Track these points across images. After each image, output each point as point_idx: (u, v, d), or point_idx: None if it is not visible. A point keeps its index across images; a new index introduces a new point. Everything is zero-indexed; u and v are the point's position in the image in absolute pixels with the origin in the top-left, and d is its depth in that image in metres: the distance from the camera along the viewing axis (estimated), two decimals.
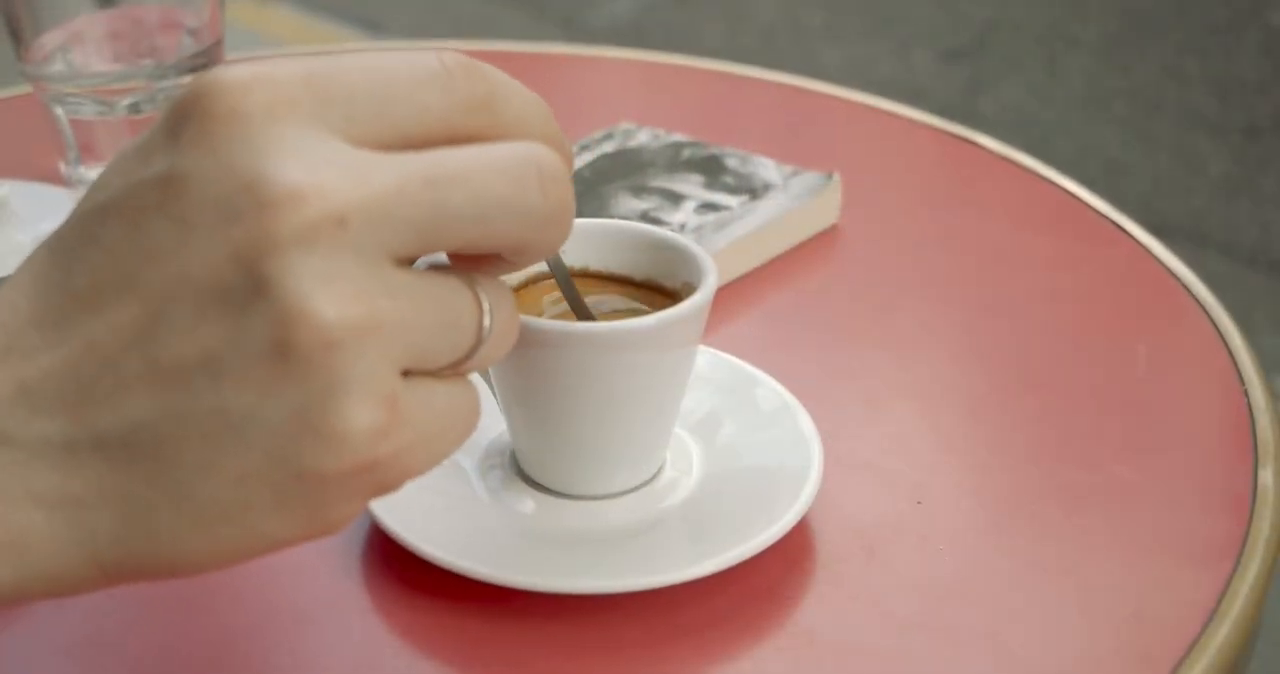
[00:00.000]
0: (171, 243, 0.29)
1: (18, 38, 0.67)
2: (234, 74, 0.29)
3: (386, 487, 0.31)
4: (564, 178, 0.32)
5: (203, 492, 0.29)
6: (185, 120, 0.29)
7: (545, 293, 0.47)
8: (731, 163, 0.70)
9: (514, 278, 0.47)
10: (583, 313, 0.43)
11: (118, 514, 0.29)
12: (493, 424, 0.49)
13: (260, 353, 0.28)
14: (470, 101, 0.31)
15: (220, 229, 0.28)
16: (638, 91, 0.90)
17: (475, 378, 0.48)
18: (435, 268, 0.32)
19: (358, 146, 0.30)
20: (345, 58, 0.31)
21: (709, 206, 0.66)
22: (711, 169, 0.70)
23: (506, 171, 0.31)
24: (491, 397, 0.48)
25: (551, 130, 0.33)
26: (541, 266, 0.47)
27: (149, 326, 0.29)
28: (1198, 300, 0.62)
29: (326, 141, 0.29)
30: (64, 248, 0.30)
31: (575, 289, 0.43)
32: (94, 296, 0.29)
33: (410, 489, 0.45)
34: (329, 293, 0.28)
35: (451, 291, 0.31)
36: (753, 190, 0.67)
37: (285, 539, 0.30)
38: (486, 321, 0.32)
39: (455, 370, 0.32)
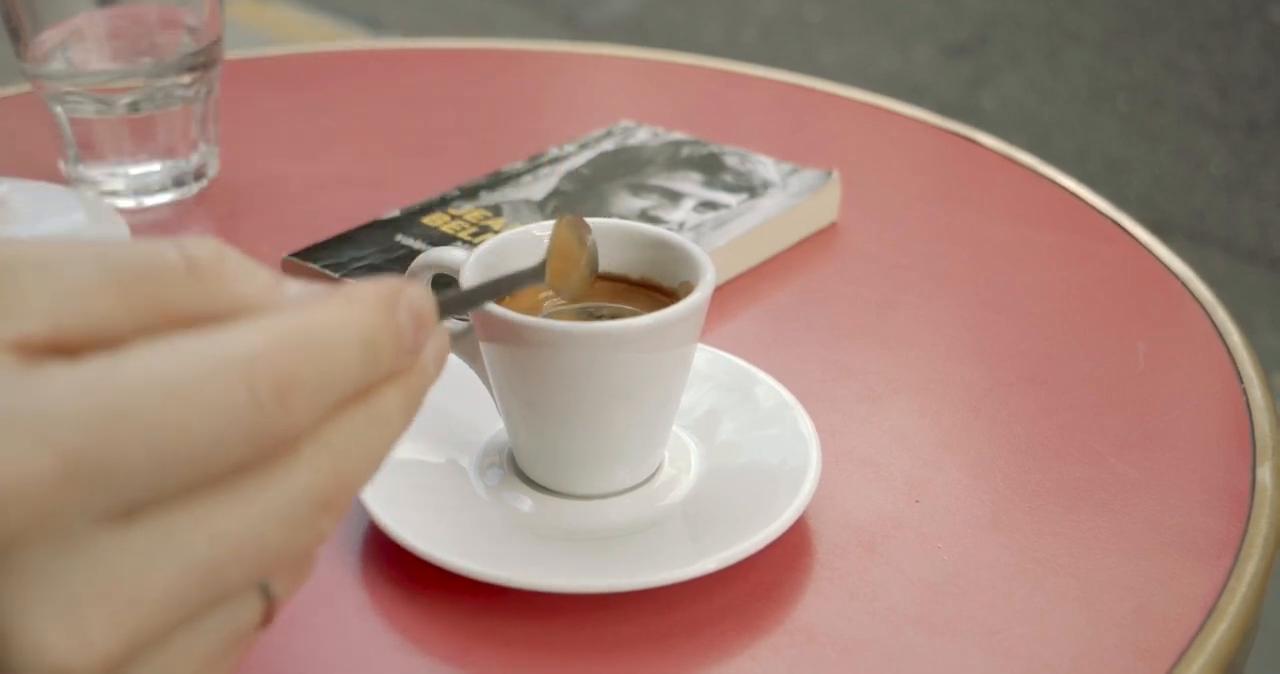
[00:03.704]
0: None
1: (17, 36, 0.67)
2: None
3: None
4: (347, 496, 0.28)
5: None
6: None
7: (541, 291, 0.47)
8: (731, 161, 0.70)
9: None
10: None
11: None
12: (491, 423, 0.49)
13: None
14: (279, 433, 0.26)
15: None
16: (637, 89, 0.90)
17: (473, 376, 0.48)
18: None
19: (129, 521, 0.25)
20: (130, 417, 0.24)
21: (708, 205, 0.66)
22: (711, 167, 0.70)
23: (285, 524, 0.27)
24: (491, 395, 0.48)
25: (374, 460, 0.29)
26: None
27: None
28: (1197, 298, 0.62)
29: (87, 549, 0.25)
30: None
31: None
32: None
33: (410, 489, 0.46)
34: None
35: (228, 622, 0.27)
36: (752, 188, 0.67)
37: None
38: (271, 603, 0.28)
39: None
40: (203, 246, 0.27)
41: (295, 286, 0.29)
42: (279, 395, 0.26)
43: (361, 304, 0.28)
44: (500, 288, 0.39)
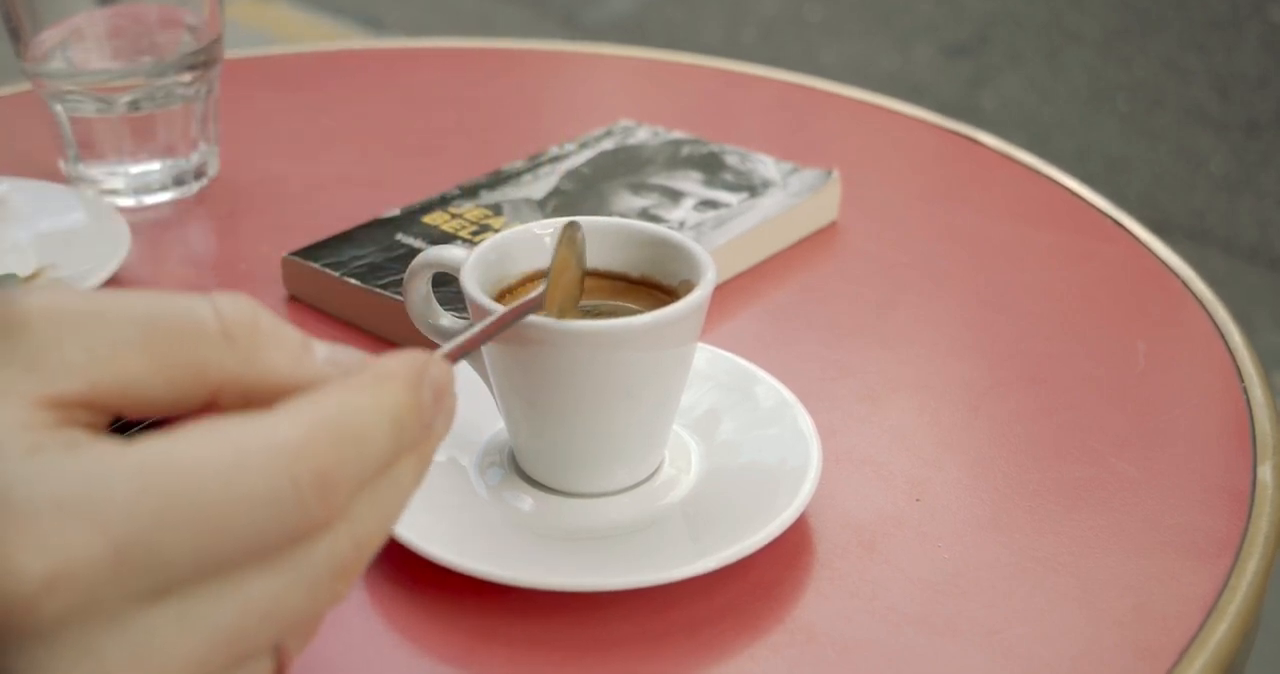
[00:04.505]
0: None
1: (17, 35, 0.67)
2: (31, 573, 0.24)
3: None
4: (364, 561, 0.29)
5: None
6: None
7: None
8: (731, 160, 0.70)
9: (511, 276, 0.47)
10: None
11: None
12: (492, 422, 0.49)
13: None
14: (310, 525, 0.27)
15: None
16: (637, 88, 0.90)
17: (474, 376, 0.48)
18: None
19: (163, 598, 0.26)
20: (177, 505, 0.25)
21: (708, 204, 0.66)
22: (711, 166, 0.70)
23: (309, 591, 0.28)
24: (491, 394, 0.48)
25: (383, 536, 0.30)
26: (539, 265, 0.47)
27: None
28: (1197, 297, 0.62)
29: (126, 625, 0.25)
30: None
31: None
32: None
33: None
34: None
35: None
36: (752, 187, 0.67)
37: None
38: (282, 661, 0.29)
39: None
40: (238, 308, 0.28)
41: (323, 350, 0.30)
42: (320, 488, 0.27)
43: (391, 385, 0.29)
44: (504, 323, 0.39)
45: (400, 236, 0.63)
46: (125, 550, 0.25)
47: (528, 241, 0.47)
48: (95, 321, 0.27)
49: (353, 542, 0.28)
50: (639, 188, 0.68)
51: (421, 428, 0.30)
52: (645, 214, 0.64)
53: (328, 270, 0.60)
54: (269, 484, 0.26)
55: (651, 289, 0.47)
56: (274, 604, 0.27)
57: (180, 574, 0.26)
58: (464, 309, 0.46)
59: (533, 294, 0.41)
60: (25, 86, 0.78)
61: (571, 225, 0.42)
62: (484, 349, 0.45)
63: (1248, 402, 0.54)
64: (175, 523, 0.25)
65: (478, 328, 0.37)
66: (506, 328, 0.40)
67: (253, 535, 0.26)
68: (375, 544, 0.29)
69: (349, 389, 0.29)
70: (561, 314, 0.42)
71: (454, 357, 0.34)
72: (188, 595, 0.26)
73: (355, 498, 0.28)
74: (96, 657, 0.25)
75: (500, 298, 0.46)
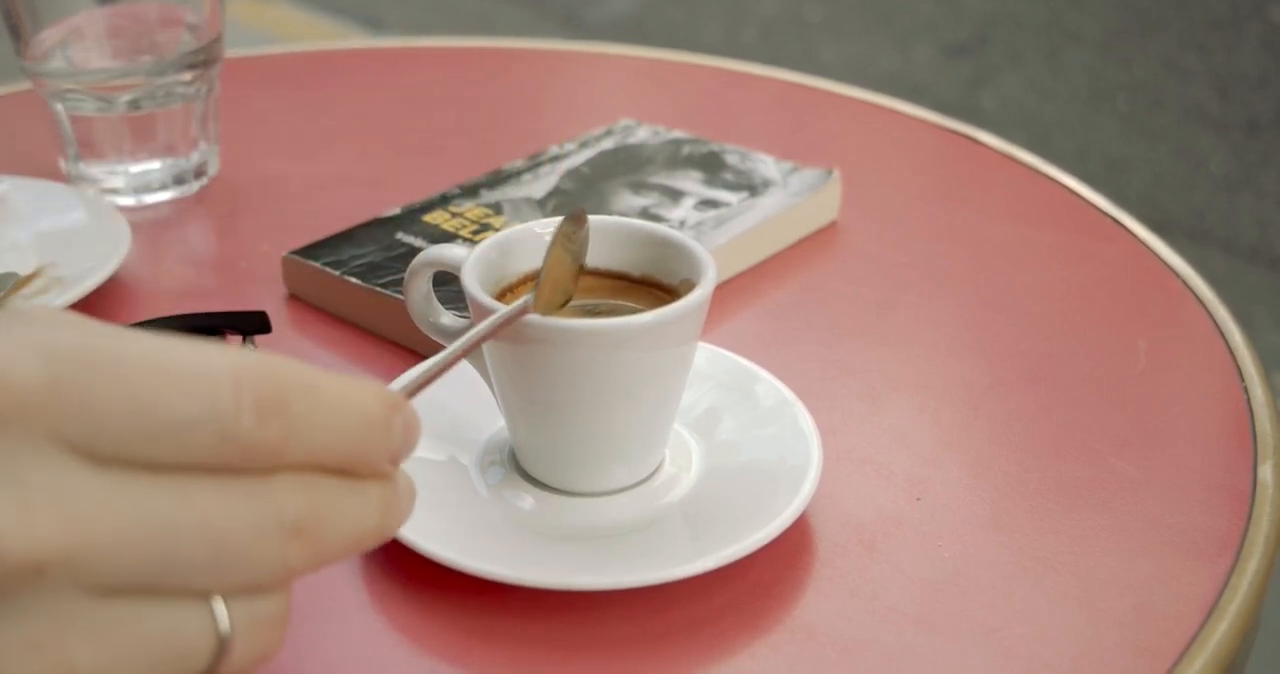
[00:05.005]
0: None
1: (17, 34, 0.67)
2: None
3: None
4: (320, 541, 0.29)
5: None
6: None
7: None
8: (731, 159, 0.70)
9: (512, 275, 0.47)
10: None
11: None
12: (492, 421, 0.49)
13: None
14: (251, 448, 0.28)
15: None
16: (638, 88, 0.90)
17: (474, 374, 0.48)
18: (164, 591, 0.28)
19: (96, 465, 0.27)
20: (122, 370, 0.27)
21: (708, 203, 0.66)
22: (711, 165, 0.70)
23: (253, 527, 0.28)
24: (491, 393, 0.48)
25: (361, 463, 0.30)
26: (537, 264, 0.47)
27: None
28: (1198, 297, 0.62)
29: (53, 462, 0.26)
30: None
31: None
32: None
33: None
34: (17, 647, 0.26)
35: (174, 624, 0.28)
36: (752, 187, 0.67)
37: None
38: (225, 636, 0.29)
39: None
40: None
41: None
42: (259, 411, 0.28)
43: (370, 393, 0.30)
44: (493, 328, 0.39)
45: (400, 235, 0.63)
46: (60, 385, 0.26)
47: (528, 240, 0.47)
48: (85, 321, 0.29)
49: (310, 505, 0.29)
50: (639, 187, 0.68)
51: (385, 451, 0.30)
52: (645, 213, 0.64)
53: (328, 269, 0.60)
54: (211, 386, 0.27)
55: (652, 288, 0.47)
56: (216, 518, 0.28)
57: (114, 443, 0.26)
58: (464, 308, 0.46)
59: (511, 308, 0.41)
60: (25, 86, 0.78)
61: (572, 220, 0.42)
62: (485, 347, 0.45)
63: (1248, 401, 0.54)
64: (114, 383, 0.27)
65: (470, 334, 0.37)
66: (496, 332, 0.40)
67: (185, 429, 0.27)
68: (334, 531, 0.29)
69: (328, 376, 0.29)
70: (547, 311, 0.42)
71: (445, 368, 0.35)
72: (127, 474, 0.27)
73: (313, 471, 0.29)
74: (22, 479, 0.26)
75: (501, 296, 0.46)
